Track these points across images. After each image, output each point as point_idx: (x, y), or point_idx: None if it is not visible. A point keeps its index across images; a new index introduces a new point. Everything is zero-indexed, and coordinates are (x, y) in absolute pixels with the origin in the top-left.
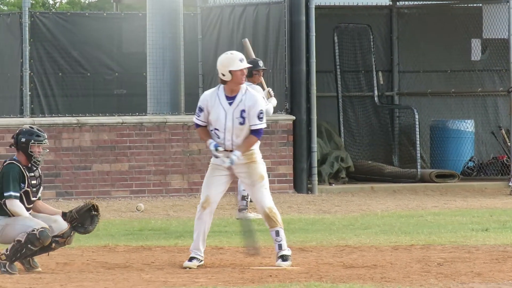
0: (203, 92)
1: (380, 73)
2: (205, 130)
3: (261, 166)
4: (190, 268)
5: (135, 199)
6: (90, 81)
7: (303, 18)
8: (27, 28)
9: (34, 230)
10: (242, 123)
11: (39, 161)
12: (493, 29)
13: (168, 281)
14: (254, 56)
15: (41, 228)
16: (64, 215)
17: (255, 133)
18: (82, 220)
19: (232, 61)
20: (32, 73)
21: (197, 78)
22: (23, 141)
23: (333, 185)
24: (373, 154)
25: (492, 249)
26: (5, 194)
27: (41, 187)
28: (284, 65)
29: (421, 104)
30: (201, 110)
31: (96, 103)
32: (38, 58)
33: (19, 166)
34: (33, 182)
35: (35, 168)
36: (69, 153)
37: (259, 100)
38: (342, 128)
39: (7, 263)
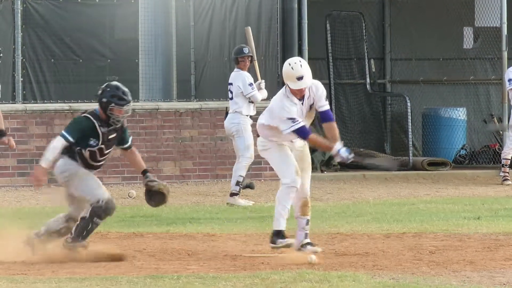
0: (195, 79)
1: (372, 61)
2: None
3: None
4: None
5: (127, 186)
6: (82, 68)
7: (296, 5)
8: (19, 14)
9: (99, 201)
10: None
11: (118, 121)
12: (485, 17)
13: (160, 268)
14: (252, 46)
15: (107, 198)
16: (145, 173)
17: (327, 115)
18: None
19: (289, 77)
20: (24, 59)
21: (189, 65)
22: (104, 101)
23: (325, 172)
24: (365, 141)
25: (484, 237)
26: (61, 132)
27: (126, 137)
28: (276, 52)
29: (413, 92)
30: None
31: (88, 89)
32: (31, 44)
33: (92, 121)
34: (111, 136)
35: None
36: None
37: (320, 85)
38: (333, 115)
39: (74, 244)
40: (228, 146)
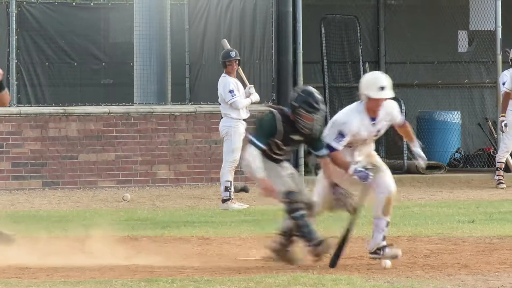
0: (189, 82)
1: (367, 64)
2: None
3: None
4: None
5: (121, 189)
6: (77, 71)
7: (290, 8)
8: (14, 18)
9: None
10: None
11: (303, 127)
12: (480, 21)
13: (154, 272)
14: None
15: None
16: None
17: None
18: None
19: (370, 86)
20: (19, 63)
21: (184, 68)
22: (294, 105)
23: None
24: None
25: (478, 240)
26: (249, 137)
27: (318, 146)
28: (271, 56)
29: (407, 96)
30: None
31: (83, 92)
32: (25, 48)
33: (274, 119)
34: (293, 136)
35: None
36: (55, 143)
37: (394, 106)
38: (328, 118)
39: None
40: (222, 149)
